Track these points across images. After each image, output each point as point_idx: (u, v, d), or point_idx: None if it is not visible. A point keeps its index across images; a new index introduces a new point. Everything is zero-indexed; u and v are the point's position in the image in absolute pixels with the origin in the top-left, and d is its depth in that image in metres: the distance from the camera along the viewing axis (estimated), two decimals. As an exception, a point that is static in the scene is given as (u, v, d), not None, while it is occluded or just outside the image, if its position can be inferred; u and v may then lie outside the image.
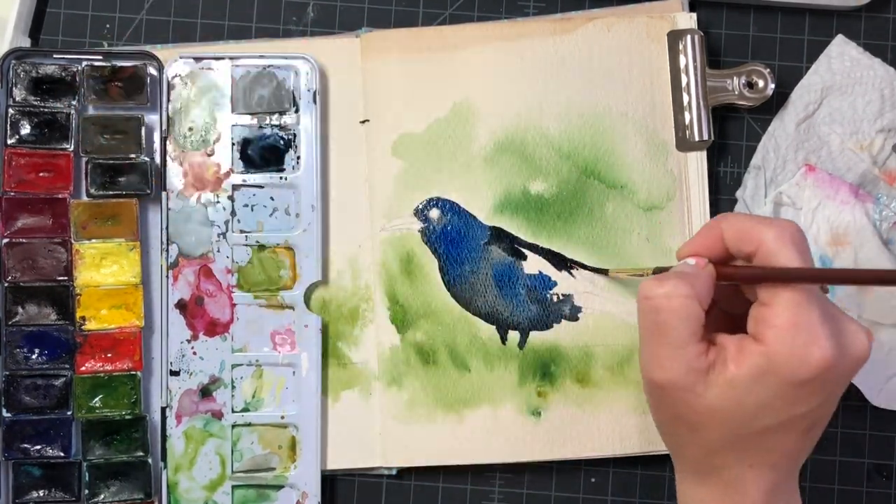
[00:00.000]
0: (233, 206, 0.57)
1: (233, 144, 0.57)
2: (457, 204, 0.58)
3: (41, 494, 0.55)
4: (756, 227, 0.43)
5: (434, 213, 0.58)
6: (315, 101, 0.57)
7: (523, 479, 0.59)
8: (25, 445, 0.55)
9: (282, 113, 0.57)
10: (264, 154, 0.57)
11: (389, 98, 0.58)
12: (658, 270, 0.45)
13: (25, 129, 0.56)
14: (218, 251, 0.57)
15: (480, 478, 0.59)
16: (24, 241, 0.55)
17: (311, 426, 0.56)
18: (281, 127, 0.57)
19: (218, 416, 0.57)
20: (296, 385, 0.57)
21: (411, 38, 0.58)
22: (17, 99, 0.56)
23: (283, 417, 0.57)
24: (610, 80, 0.58)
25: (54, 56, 0.56)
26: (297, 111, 0.57)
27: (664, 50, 0.58)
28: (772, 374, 0.41)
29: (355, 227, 0.58)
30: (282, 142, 0.57)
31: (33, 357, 0.55)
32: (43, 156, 0.56)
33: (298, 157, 0.57)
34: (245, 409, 0.57)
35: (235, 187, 0.57)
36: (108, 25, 0.60)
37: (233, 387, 0.57)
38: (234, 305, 0.57)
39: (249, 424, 0.57)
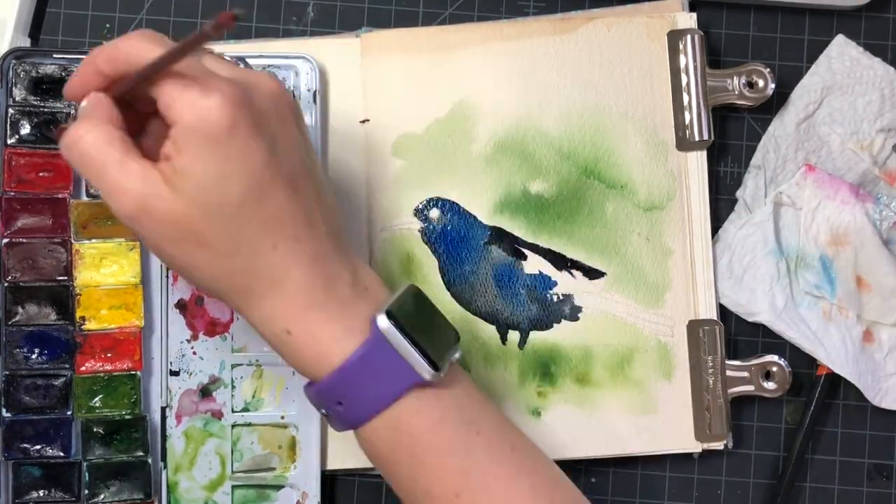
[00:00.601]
0: None
1: None
2: (457, 204, 0.58)
3: (41, 494, 0.55)
4: (116, 43, 0.43)
5: (434, 213, 0.58)
6: (315, 101, 0.57)
7: (523, 479, 0.59)
8: (25, 445, 0.55)
9: None
10: None
11: (389, 98, 0.58)
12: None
13: (25, 129, 0.56)
14: None
15: (480, 478, 0.59)
16: (24, 240, 0.55)
17: (311, 426, 0.56)
18: None
19: (218, 415, 0.56)
20: (296, 385, 0.57)
21: (411, 38, 0.58)
22: (17, 99, 0.56)
23: (283, 417, 0.56)
24: (610, 80, 0.58)
25: (54, 56, 0.56)
26: None
27: (664, 50, 0.58)
28: (201, 141, 0.41)
29: (355, 228, 0.58)
30: None
31: (33, 357, 0.55)
32: (43, 155, 0.56)
33: None
34: (245, 409, 0.57)
35: None
36: (108, 25, 0.60)
37: (233, 387, 0.57)
38: None
39: (249, 424, 0.57)
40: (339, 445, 0.57)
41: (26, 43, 0.59)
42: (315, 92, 0.57)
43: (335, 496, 0.59)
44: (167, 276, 0.56)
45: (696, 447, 0.57)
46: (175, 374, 0.56)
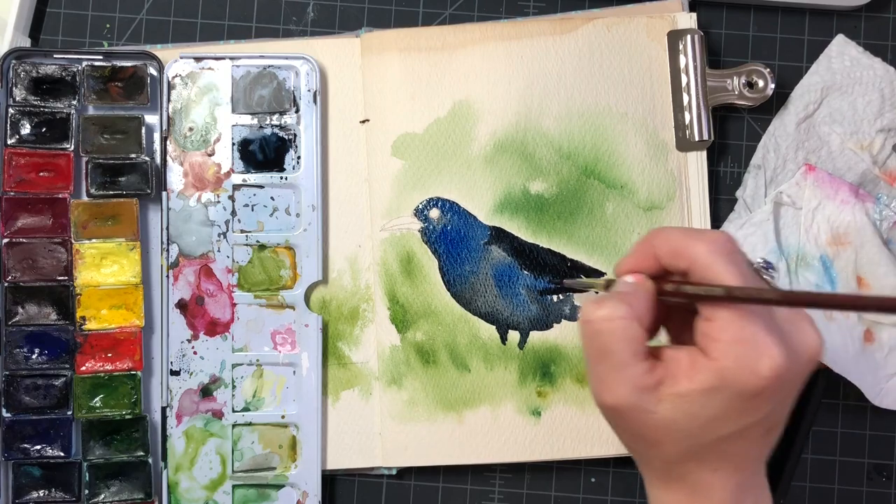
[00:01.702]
0: (233, 205, 0.57)
1: (233, 144, 0.57)
2: (457, 204, 0.58)
3: (41, 494, 0.55)
4: (687, 241, 0.42)
5: (434, 213, 0.58)
6: (315, 101, 0.57)
7: (523, 479, 0.59)
8: (25, 445, 0.55)
9: (282, 113, 0.57)
10: (265, 154, 0.57)
11: (389, 98, 0.58)
12: (609, 283, 0.45)
13: (25, 129, 0.56)
14: (218, 251, 0.57)
15: (480, 478, 0.59)
16: (24, 240, 0.55)
17: (311, 426, 0.56)
18: (281, 127, 0.57)
19: (218, 415, 0.57)
20: (296, 384, 0.57)
21: (411, 38, 0.58)
22: (18, 99, 0.56)
23: (283, 417, 0.57)
24: (610, 80, 0.58)
25: (54, 56, 0.56)
26: (297, 111, 0.57)
27: (664, 50, 0.58)
28: (723, 388, 0.40)
29: (355, 227, 0.58)
30: (282, 142, 0.57)
31: (33, 357, 0.55)
32: (43, 156, 0.56)
33: (299, 157, 0.57)
34: (245, 409, 0.57)
35: (236, 187, 0.57)
36: (108, 25, 0.60)
37: (233, 386, 0.57)
38: (234, 305, 0.57)
39: (250, 424, 0.57)
40: (339, 445, 0.57)
41: (26, 43, 0.59)
42: (315, 92, 0.57)
43: (335, 496, 0.59)
44: (168, 276, 0.56)
45: (696, 447, 0.57)
46: (175, 373, 0.56)
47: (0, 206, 0.55)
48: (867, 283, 0.57)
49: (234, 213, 0.57)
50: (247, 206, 0.57)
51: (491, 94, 0.58)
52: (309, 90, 0.57)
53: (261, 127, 0.57)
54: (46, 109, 0.56)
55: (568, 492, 0.59)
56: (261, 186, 0.57)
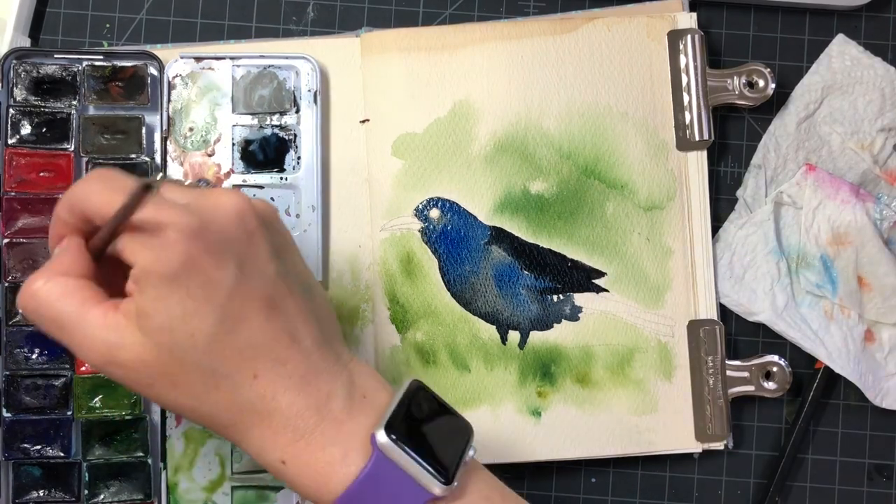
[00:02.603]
0: None
1: (233, 144, 0.57)
2: (457, 204, 0.58)
3: (41, 494, 0.55)
4: (72, 190, 0.42)
5: (434, 213, 0.58)
6: (316, 102, 0.57)
7: (523, 479, 0.59)
8: (25, 445, 0.55)
9: (282, 113, 0.57)
10: (265, 154, 0.57)
11: (389, 98, 0.58)
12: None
13: (26, 129, 0.56)
14: None
15: (480, 478, 0.59)
16: (24, 241, 0.55)
17: None
18: (281, 127, 0.57)
19: None
20: None
21: (411, 38, 0.58)
22: (18, 99, 0.56)
23: None
24: (610, 79, 0.58)
25: (55, 56, 0.56)
26: (297, 111, 0.57)
27: (664, 50, 0.58)
28: (158, 280, 0.39)
29: (355, 227, 0.58)
30: (282, 142, 0.57)
31: (33, 357, 0.55)
32: (43, 156, 0.56)
33: (299, 158, 0.57)
34: None
35: (236, 187, 0.57)
36: (108, 25, 0.60)
37: None
38: None
39: None
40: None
41: (26, 43, 0.59)
42: (316, 92, 0.57)
43: (335, 496, 0.59)
44: None
45: (696, 447, 0.57)
46: None
47: (0, 206, 0.55)
48: (868, 283, 0.57)
49: None
50: None
51: (491, 94, 0.58)
52: (309, 90, 0.57)
53: (261, 127, 0.57)
54: (47, 109, 0.56)
55: (568, 492, 0.59)
56: (261, 187, 0.57)
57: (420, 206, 0.58)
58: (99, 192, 0.41)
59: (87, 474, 0.55)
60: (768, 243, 0.58)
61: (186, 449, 0.56)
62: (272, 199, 0.57)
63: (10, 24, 0.58)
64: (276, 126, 0.57)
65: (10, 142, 0.55)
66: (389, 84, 0.58)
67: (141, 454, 0.55)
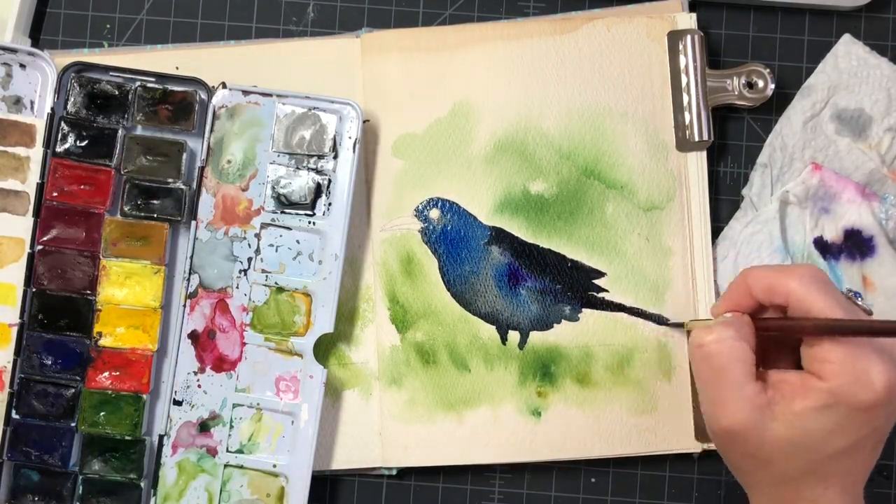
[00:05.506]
0: (258, 243, 0.56)
1: (268, 182, 0.56)
2: (457, 204, 0.58)
3: (35, 499, 0.55)
4: (779, 278, 0.45)
5: (434, 213, 0.58)
6: (354, 150, 0.56)
7: (523, 479, 0.59)
8: (28, 449, 0.55)
9: (321, 157, 0.56)
10: (297, 196, 0.56)
11: (389, 98, 0.58)
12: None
13: (73, 141, 0.56)
14: (237, 287, 0.56)
15: (480, 478, 0.59)
16: (54, 249, 0.55)
17: (301, 479, 0.55)
18: (318, 171, 0.56)
19: (212, 452, 0.56)
20: (292, 435, 0.56)
21: (411, 38, 0.58)
22: (71, 111, 0.56)
23: (275, 466, 0.56)
24: (610, 80, 0.58)
25: (111, 73, 0.56)
26: (335, 157, 0.56)
27: (664, 50, 0.58)
28: (837, 405, 0.43)
29: (355, 227, 0.58)
30: (316, 186, 0.56)
31: (48, 364, 0.55)
32: (86, 169, 0.56)
33: (330, 204, 0.56)
34: (240, 451, 0.56)
35: (263, 225, 0.56)
36: (108, 26, 0.60)
37: (231, 426, 0.56)
38: (244, 344, 0.56)
39: (241, 467, 0.56)
40: (339, 446, 0.57)
41: (26, 43, 0.59)
42: (356, 141, 0.56)
43: (335, 496, 0.59)
44: (185, 306, 0.56)
45: (696, 447, 0.57)
46: (178, 403, 0.56)
47: (39, 213, 0.55)
48: (872, 283, 0.57)
49: (258, 251, 0.56)
50: (271, 245, 0.56)
51: (491, 94, 0.58)
52: (350, 138, 0.56)
53: (297, 168, 0.56)
54: (96, 124, 0.56)
55: (568, 492, 0.59)
56: (288, 228, 0.56)
57: (420, 207, 0.58)
58: (814, 293, 0.45)
59: (81, 487, 0.55)
60: (773, 242, 0.58)
61: (178, 479, 0.56)
62: (297, 241, 0.56)
63: (11, 24, 0.58)
64: (313, 169, 0.56)
65: (57, 150, 0.56)
66: (389, 84, 0.58)
67: (134, 476, 0.55)
